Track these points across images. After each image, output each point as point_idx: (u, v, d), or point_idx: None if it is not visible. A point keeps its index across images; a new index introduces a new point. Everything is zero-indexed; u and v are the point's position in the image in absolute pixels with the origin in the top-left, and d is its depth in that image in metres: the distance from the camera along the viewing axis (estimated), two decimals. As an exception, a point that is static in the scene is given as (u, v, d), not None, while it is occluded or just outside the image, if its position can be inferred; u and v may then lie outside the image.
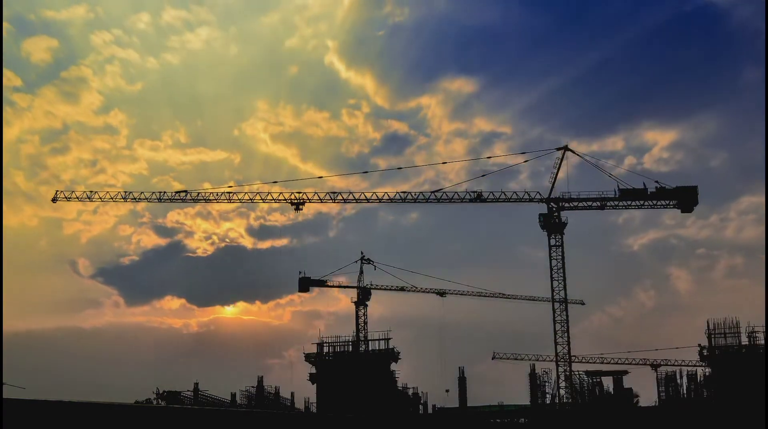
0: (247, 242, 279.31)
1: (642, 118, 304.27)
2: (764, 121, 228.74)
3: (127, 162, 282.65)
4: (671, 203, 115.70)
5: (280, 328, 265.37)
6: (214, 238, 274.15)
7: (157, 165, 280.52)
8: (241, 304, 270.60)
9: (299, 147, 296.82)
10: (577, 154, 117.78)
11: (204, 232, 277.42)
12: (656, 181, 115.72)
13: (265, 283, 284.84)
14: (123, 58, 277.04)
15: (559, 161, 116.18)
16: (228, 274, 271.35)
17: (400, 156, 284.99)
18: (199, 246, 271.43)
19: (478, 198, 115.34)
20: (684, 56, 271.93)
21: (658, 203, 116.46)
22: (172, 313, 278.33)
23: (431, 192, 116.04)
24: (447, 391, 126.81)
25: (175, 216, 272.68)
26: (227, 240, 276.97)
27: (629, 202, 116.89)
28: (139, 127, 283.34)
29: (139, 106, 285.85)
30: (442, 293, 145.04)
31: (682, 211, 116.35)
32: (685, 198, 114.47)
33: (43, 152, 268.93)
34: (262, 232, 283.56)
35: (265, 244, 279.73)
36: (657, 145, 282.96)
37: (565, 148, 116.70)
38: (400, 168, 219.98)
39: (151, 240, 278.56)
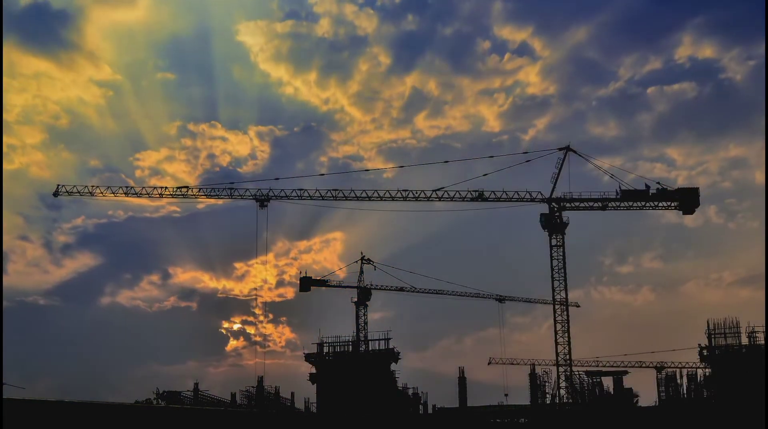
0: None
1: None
2: (764, 119, 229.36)
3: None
4: (672, 205, 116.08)
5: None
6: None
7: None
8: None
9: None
10: (580, 155, 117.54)
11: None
12: (658, 183, 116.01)
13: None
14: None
15: (560, 161, 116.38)
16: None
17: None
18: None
19: (480, 197, 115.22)
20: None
21: (660, 204, 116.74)
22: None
23: (432, 190, 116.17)
24: (506, 395, 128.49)
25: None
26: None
27: (631, 203, 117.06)
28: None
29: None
30: (501, 299, 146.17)
31: (683, 213, 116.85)
32: (686, 199, 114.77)
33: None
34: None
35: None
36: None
37: (567, 149, 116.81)
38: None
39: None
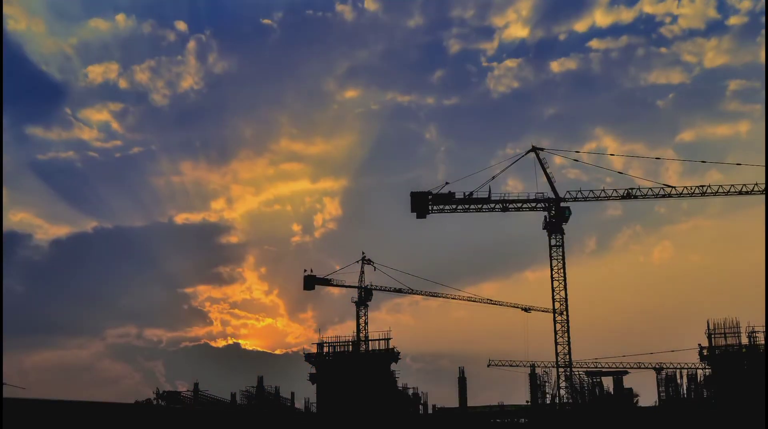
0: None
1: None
2: (764, 121, 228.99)
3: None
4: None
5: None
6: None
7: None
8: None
9: None
10: (539, 159, 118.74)
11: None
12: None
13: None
14: None
15: (536, 163, 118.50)
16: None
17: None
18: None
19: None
20: None
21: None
22: None
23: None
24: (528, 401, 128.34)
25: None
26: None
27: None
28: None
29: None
30: (527, 309, 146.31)
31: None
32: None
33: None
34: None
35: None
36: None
37: (534, 149, 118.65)
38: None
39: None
